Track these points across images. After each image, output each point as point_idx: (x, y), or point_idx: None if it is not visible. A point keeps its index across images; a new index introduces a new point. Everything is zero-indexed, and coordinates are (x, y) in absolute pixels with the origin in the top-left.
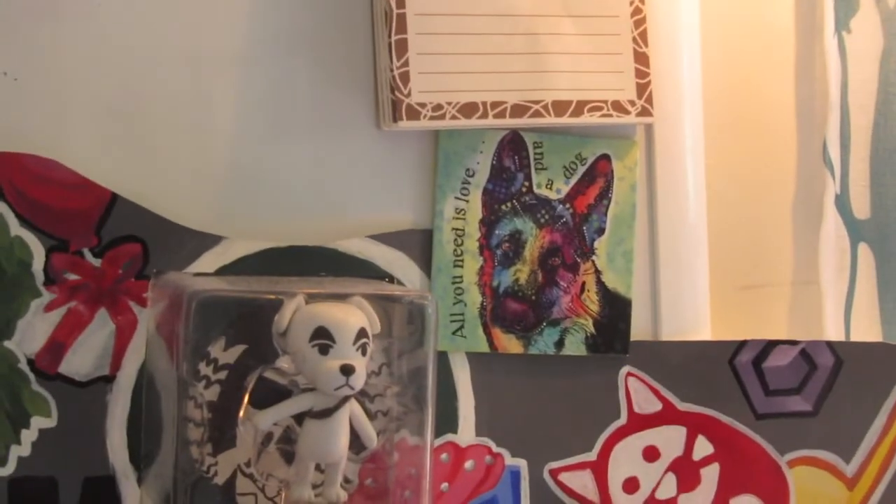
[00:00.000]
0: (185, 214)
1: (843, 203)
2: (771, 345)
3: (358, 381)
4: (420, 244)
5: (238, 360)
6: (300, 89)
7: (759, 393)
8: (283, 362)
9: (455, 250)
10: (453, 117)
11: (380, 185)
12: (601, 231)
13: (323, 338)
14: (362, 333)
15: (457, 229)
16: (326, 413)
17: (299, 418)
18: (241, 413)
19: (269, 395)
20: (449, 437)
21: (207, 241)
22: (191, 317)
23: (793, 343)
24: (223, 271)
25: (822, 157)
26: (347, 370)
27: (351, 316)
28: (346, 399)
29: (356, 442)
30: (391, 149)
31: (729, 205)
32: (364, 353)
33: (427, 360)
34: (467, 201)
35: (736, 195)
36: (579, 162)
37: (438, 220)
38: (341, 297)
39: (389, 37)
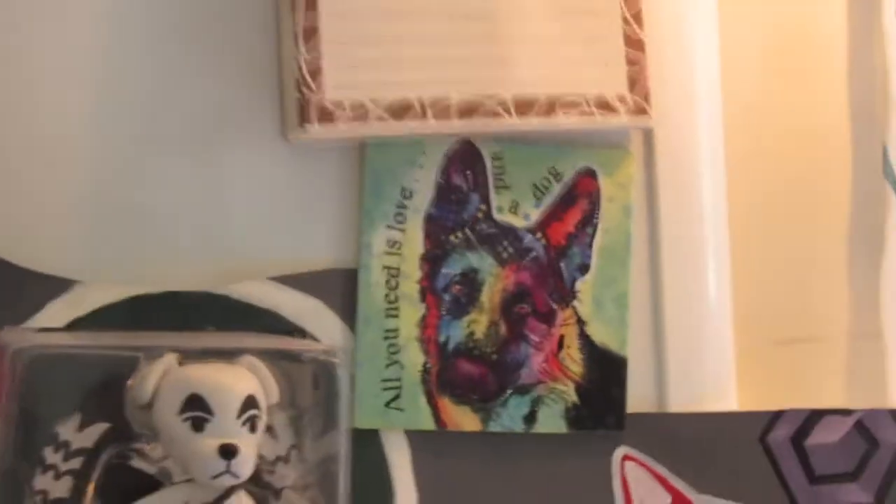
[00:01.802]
0: (26, 253)
1: None
2: (816, 415)
3: (243, 466)
4: (341, 288)
5: (98, 442)
6: (181, 90)
7: (802, 480)
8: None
9: (388, 295)
10: (380, 119)
11: (287, 211)
12: (585, 269)
13: (197, 409)
14: (250, 403)
15: (390, 268)
16: None
17: None
18: None
19: (131, 489)
20: None
21: (55, 286)
22: (17, 383)
23: (845, 413)
24: (77, 325)
25: (882, 169)
26: (228, 451)
27: (235, 380)
28: (230, 491)
29: None
30: (302, 164)
31: (760, 234)
32: (253, 429)
33: (338, 440)
34: (404, 231)
35: (768, 221)
36: (554, 178)
37: (365, 257)
38: (227, 356)
39: (295, 20)
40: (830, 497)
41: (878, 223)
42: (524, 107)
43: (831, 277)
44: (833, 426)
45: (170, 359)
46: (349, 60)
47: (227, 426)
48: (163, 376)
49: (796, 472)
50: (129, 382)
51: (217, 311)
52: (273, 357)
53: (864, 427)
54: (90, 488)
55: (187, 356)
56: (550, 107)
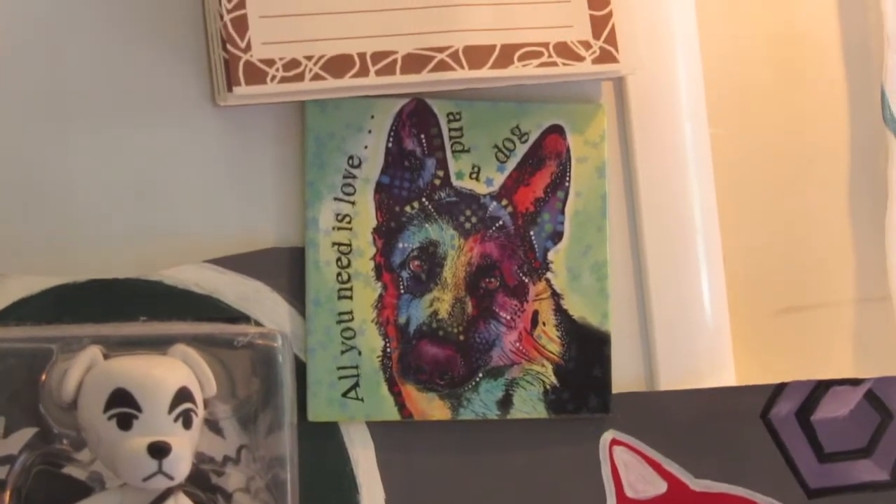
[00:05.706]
0: None
1: None
2: (822, 387)
3: (177, 465)
4: (287, 268)
5: (24, 449)
6: (98, 57)
7: (811, 459)
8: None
9: (339, 275)
10: (316, 77)
11: (223, 186)
12: (557, 237)
13: (122, 405)
14: (183, 396)
15: (340, 244)
16: None
17: None
18: None
19: (60, 498)
20: None
21: None
22: None
23: (854, 382)
24: None
25: (881, 114)
26: (159, 449)
27: (165, 371)
28: (167, 494)
29: None
30: (236, 133)
31: (750, 191)
32: (187, 425)
33: (282, 433)
34: (353, 203)
35: (759, 176)
36: (518, 138)
37: (312, 233)
38: (157, 346)
39: None
40: (843, 476)
41: (880, 174)
42: (477, 58)
43: (831, 236)
44: (841, 398)
45: (93, 351)
46: (279, 13)
47: (157, 422)
48: (86, 371)
49: (804, 451)
50: (43, 377)
51: (150, 300)
52: (209, 345)
53: (876, 397)
54: (6, 497)
55: (113, 348)
56: (506, 56)
